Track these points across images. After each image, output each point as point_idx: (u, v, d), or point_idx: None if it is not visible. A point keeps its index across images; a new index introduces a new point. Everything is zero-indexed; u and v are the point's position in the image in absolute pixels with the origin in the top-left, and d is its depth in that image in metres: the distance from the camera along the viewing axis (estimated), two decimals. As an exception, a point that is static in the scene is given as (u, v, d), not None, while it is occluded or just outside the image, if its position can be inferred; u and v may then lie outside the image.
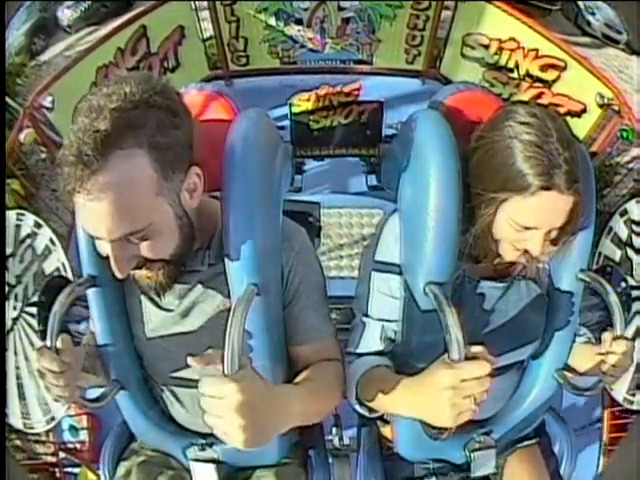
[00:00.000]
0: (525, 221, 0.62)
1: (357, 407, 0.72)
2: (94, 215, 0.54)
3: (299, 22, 2.83)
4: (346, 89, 2.32)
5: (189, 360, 0.52)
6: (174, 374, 0.73)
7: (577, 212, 0.62)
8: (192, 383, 0.73)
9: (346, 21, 2.84)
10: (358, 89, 2.33)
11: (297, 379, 0.69)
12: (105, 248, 0.57)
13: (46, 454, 1.84)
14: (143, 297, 0.71)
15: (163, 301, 0.70)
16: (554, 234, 0.64)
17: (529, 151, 0.59)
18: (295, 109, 2.25)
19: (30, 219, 1.70)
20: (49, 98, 2.24)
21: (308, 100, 2.28)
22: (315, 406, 0.67)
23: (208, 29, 2.84)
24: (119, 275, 0.59)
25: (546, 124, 0.60)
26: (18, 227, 1.69)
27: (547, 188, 0.59)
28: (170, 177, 0.57)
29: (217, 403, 0.50)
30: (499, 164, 0.62)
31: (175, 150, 0.56)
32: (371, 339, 0.73)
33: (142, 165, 0.54)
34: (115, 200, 0.52)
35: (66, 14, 5.61)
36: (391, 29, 2.82)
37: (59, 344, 0.62)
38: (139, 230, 0.56)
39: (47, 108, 2.25)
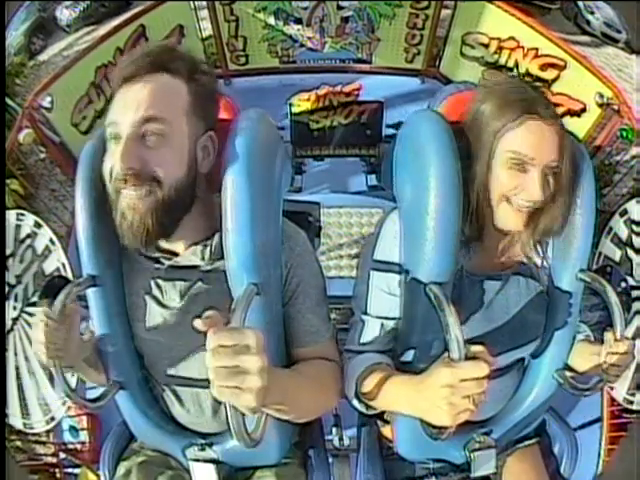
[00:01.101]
0: (519, 148, 0.64)
1: (355, 404, 0.72)
2: (131, 96, 0.62)
3: (298, 21, 2.83)
4: (346, 89, 2.32)
5: (195, 322, 0.50)
6: (175, 373, 0.73)
7: (566, 151, 0.66)
8: (193, 382, 0.73)
9: (345, 20, 2.84)
10: (358, 89, 2.33)
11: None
12: (118, 147, 0.60)
13: (46, 455, 1.84)
14: (147, 296, 0.71)
15: (165, 297, 0.70)
16: (550, 177, 0.65)
17: (509, 91, 0.67)
18: (295, 109, 2.25)
19: (30, 219, 1.70)
20: (48, 98, 2.24)
21: (308, 100, 2.28)
22: (305, 400, 0.66)
23: (207, 28, 2.84)
24: (120, 164, 0.59)
25: (521, 79, 0.71)
26: (18, 227, 1.69)
27: (530, 113, 0.64)
28: (198, 114, 0.64)
29: (234, 351, 0.48)
30: (486, 116, 0.67)
31: (207, 95, 0.66)
32: (370, 337, 0.73)
33: (180, 87, 0.64)
34: (152, 91, 0.62)
35: (65, 14, 5.60)
36: (390, 28, 2.83)
37: (59, 305, 0.63)
38: (158, 118, 0.60)
39: (46, 108, 2.25)
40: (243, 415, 0.51)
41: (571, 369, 0.76)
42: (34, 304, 1.61)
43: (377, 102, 2.30)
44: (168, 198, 0.62)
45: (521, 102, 0.65)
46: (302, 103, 2.24)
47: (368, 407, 0.71)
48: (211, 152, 0.66)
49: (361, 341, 0.74)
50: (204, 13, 2.78)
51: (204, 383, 0.71)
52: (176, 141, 0.62)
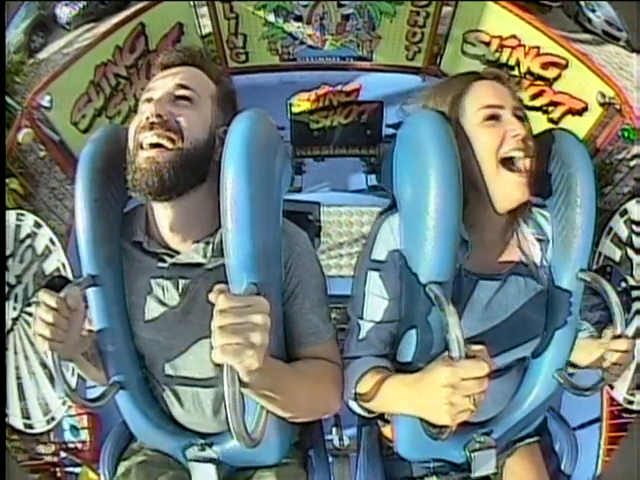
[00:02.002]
0: (485, 100, 0.69)
1: (354, 407, 0.72)
2: (168, 72, 0.71)
3: (298, 19, 2.81)
4: (346, 89, 2.31)
5: (210, 296, 0.52)
6: (175, 373, 0.73)
7: (518, 97, 0.73)
8: (193, 382, 0.73)
9: (346, 18, 2.82)
10: (358, 89, 2.33)
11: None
12: (149, 104, 0.67)
13: (47, 454, 1.84)
14: (147, 295, 0.71)
15: (166, 296, 0.70)
16: (520, 114, 0.70)
17: (445, 80, 0.76)
18: (295, 109, 2.25)
19: (30, 219, 1.70)
20: (47, 97, 2.23)
21: (308, 100, 2.27)
22: (301, 395, 0.65)
23: (207, 25, 2.83)
24: (151, 110, 0.65)
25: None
26: (18, 227, 1.69)
27: (477, 78, 0.72)
28: (221, 106, 0.71)
29: (241, 311, 0.50)
30: (447, 106, 0.72)
31: (229, 97, 0.74)
32: (367, 341, 0.73)
33: (209, 81, 0.72)
34: (187, 71, 0.71)
35: (64, 11, 5.59)
36: (391, 26, 2.81)
37: (64, 293, 0.64)
38: (190, 88, 0.68)
39: (45, 107, 2.24)
40: (243, 415, 0.51)
41: (573, 365, 0.76)
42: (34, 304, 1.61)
43: (377, 102, 2.30)
44: (187, 152, 0.65)
45: (467, 75, 0.73)
46: (302, 103, 2.24)
47: (367, 410, 0.71)
48: (224, 141, 0.67)
49: (358, 345, 0.74)
50: (204, 10, 2.77)
51: (204, 382, 0.72)
52: (202, 111, 0.68)
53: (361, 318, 0.73)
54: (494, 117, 0.69)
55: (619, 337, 0.68)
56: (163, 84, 0.69)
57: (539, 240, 0.75)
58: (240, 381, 0.51)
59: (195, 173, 0.67)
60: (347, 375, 0.72)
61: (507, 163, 0.68)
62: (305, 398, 0.67)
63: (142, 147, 0.65)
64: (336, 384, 0.72)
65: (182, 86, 0.68)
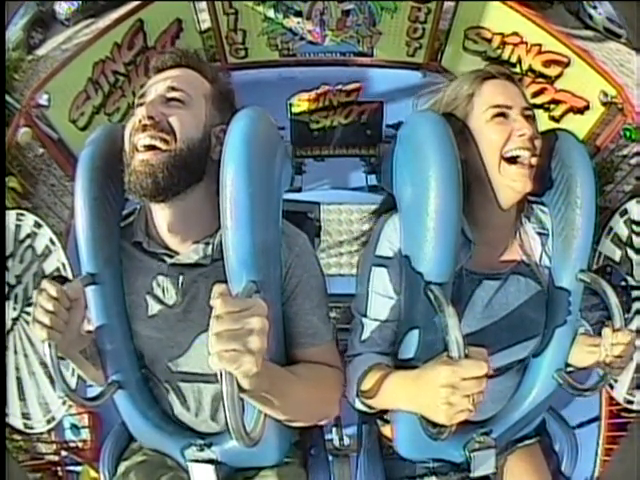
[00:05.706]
0: (493, 100, 0.70)
1: (357, 404, 0.72)
2: (161, 76, 0.71)
3: (298, 14, 2.79)
4: (346, 89, 2.30)
5: (211, 302, 0.51)
6: (176, 369, 0.73)
7: (526, 96, 0.73)
8: (195, 377, 0.73)
9: (346, 13, 2.80)
10: (358, 89, 2.31)
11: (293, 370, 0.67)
12: (142, 107, 0.67)
13: (48, 453, 1.85)
14: (147, 295, 0.71)
15: (166, 295, 0.70)
16: (529, 114, 0.70)
17: (458, 78, 0.76)
18: (295, 109, 2.23)
19: (30, 219, 1.69)
20: (45, 96, 2.22)
21: (308, 100, 2.26)
22: (299, 399, 0.65)
23: (206, 21, 2.80)
24: (143, 112, 0.65)
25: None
26: (18, 227, 1.69)
27: (487, 77, 0.72)
28: (216, 105, 0.71)
29: (238, 316, 0.49)
30: (449, 99, 0.74)
31: (226, 96, 0.74)
32: (370, 338, 0.73)
33: (204, 81, 0.72)
34: (180, 73, 0.71)
35: (63, 7, 5.56)
36: (392, 21, 2.79)
37: (65, 287, 0.64)
38: (182, 90, 0.68)
39: (43, 106, 2.23)
40: (242, 414, 0.50)
41: (572, 366, 0.76)
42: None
43: (377, 102, 2.29)
44: (181, 152, 0.65)
45: (477, 72, 0.73)
46: (302, 103, 2.23)
47: (368, 406, 0.71)
48: (221, 141, 0.67)
49: (362, 344, 0.74)
50: (203, 5, 2.74)
51: (206, 378, 0.72)
52: (195, 112, 0.68)
53: (365, 316, 0.73)
54: (502, 115, 0.69)
55: (618, 330, 0.67)
56: (155, 87, 0.69)
57: (540, 234, 0.75)
58: (238, 385, 0.50)
59: (191, 173, 0.67)
60: (349, 372, 0.72)
61: (511, 160, 0.68)
62: (303, 403, 0.67)
63: (137, 149, 0.65)
64: (335, 389, 0.72)
65: (173, 88, 0.68)
